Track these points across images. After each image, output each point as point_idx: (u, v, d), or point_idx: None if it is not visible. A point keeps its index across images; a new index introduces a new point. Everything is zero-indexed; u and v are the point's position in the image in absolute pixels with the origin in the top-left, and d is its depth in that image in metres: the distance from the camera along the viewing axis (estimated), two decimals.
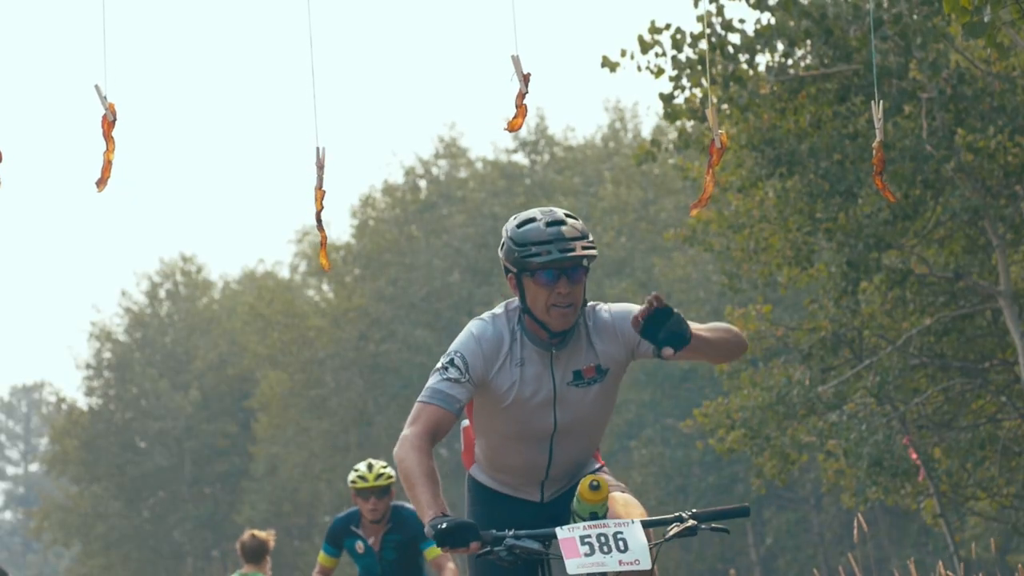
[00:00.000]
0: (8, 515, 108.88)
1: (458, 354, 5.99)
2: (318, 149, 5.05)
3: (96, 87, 4.53)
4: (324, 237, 5.60)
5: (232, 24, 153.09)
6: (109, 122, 4.57)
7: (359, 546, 11.40)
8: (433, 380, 5.98)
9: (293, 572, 59.87)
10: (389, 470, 11.19)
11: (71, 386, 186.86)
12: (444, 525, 5.53)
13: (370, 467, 11.22)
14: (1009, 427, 24.65)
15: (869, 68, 20.87)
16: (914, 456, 24.12)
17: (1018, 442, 24.71)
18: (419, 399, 6.00)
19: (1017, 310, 22.77)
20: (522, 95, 5.86)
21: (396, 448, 5.89)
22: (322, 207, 5.26)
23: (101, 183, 4.59)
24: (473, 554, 5.67)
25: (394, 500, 11.40)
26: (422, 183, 58.53)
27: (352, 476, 11.26)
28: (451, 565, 11.05)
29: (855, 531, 13.97)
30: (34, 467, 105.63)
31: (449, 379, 5.95)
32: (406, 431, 5.91)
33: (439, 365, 6.01)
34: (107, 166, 4.58)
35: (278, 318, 57.81)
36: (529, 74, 5.74)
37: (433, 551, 11.23)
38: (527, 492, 6.36)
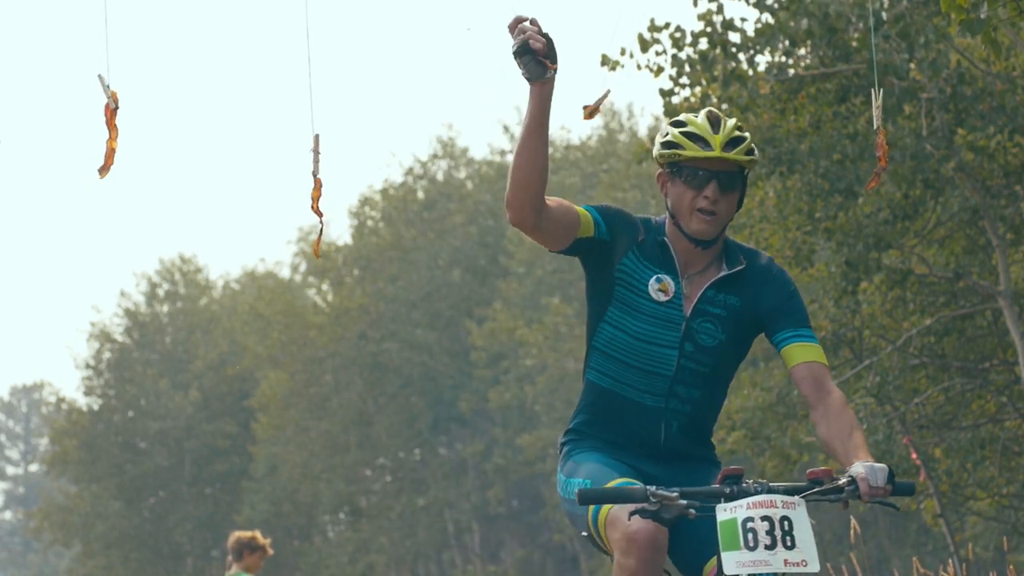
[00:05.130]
0: (8, 515, 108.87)
1: None
2: (314, 137, 5.03)
3: (99, 76, 4.56)
4: (322, 224, 5.49)
5: (232, 24, 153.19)
6: (111, 110, 4.60)
7: (659, 286, 5.30)
8: None
9: (294, 572, 59.84)
10: (750, 141, 5.28)
11: (71, 386, 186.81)
12: None
13: (716, 123, 5.28)
14: (1009, 427, 24.66)
15: (870, 67, 20.86)
16: (914, 456, 24.13)
17: (1018, 442, 24.71)
18: None
19: (1017, 310, 22.77)
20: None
21: None
22: (320, 194, 5.18)
23: (104, 170, 4.61)
24: None
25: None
26: (421, 183, 58.59)
27: (666, 137, 5.31)
28: (837, 390, 5.36)
29: (851, 532, 14.01)
30: (34, 467, 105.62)
31: None
32: None
33: None
34: (110, 154, 4.60)
35: (278, 318, 57.84)
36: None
37: (804, 349, 5.30)
38: None
